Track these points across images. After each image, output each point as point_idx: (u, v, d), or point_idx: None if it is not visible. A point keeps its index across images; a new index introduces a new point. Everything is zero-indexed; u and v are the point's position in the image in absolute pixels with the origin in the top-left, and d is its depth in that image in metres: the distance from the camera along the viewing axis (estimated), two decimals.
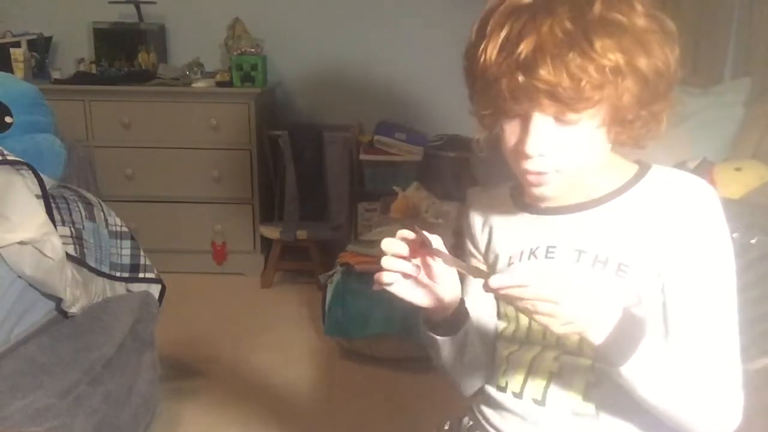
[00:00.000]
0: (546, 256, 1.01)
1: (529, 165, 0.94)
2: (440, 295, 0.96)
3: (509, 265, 1.06)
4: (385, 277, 0.90)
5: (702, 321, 0.94)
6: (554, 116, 0.90)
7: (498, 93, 0.89)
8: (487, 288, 0.81)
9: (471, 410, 1.15)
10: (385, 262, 0.90)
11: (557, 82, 0.85)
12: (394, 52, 3.74)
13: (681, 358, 0.91)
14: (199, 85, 3.59)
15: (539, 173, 0.94)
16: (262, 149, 3.62)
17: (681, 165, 2.43)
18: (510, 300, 0.82)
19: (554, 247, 1.01)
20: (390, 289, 0.92)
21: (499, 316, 1.11)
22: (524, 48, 0.85)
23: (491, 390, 1.09)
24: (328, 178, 3.64)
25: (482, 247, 1.13)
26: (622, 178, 1.01)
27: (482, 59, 0.89)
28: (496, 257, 1.09)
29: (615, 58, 0.86)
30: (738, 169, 2.25)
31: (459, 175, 3.31)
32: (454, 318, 1.02)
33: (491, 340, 1.12)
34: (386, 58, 3.76)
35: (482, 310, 1.12)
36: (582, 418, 1.00)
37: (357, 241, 3.15)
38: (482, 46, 0.89)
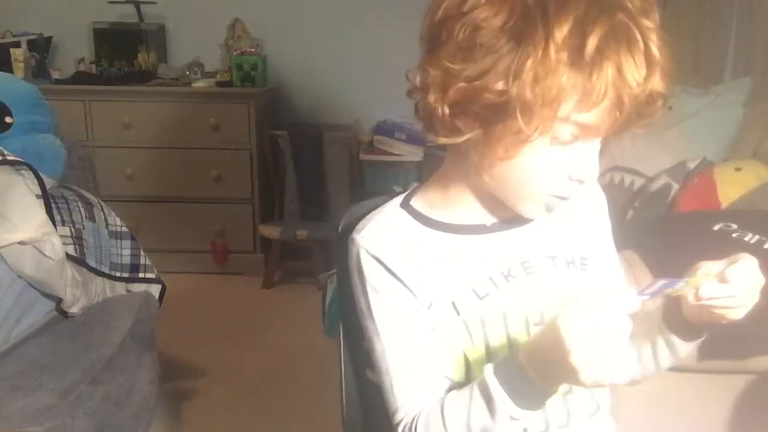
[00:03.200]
0: (526, 273, 0.95)
1: (569, 192, 0.89)
2: None
3: (482, 298, 0.92)
4: None
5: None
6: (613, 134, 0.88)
7: (599, 119, 0.82)
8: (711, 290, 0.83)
9: None
10: None
11: (664, 93, 0.84)
12: (394, 52, 3.74)
13: None
14: (199, 85, 3.59)
15: (569, 197, 0.91)
16: (262, 149, 3.62)
17: (681, 165, 2.43)
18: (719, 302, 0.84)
19: (528, 261, 0.95)
20: None
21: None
22: (651, 76, 0.81)
23: None
24: (328, 178, 3.64)
25: (424, 292, 0.92)
26: None
27: (598, 88, 0.79)
28: (452, 296, 0.93)
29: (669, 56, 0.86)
30: (738, 169, 2.24)
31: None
32: None
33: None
34: (386, 58, 3.75)
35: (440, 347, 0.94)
36: (593, 417, 1.00)
37: None
38: (594, 76, 0.79)
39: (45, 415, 1.59)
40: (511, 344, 0.93)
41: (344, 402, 1.14)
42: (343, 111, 3.85)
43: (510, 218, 0.96)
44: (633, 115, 0.84)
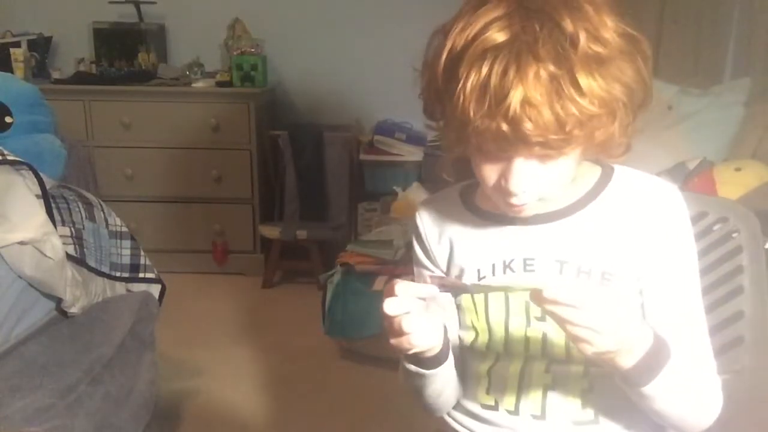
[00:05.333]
0: (525, 269, 0.98)
1: (511, 200, 0.91)
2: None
3: (480, 279, 1.01)
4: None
5: (684, 317, 0.97)
6: (537, 158, 0.87)
7: (477, 135, 0.84)
8: (538, 298, 0.80)
9: (447, 425, 1.11)
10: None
11: (545, 133, 0.81)
12: (394, 52, 3.73)
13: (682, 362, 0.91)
14: (199, 85, 3.60)
15: (522, 205, 0.92)
16: (262, 149, 3.62)
17: (681, 165, 2.43)
18: (556, 319, 0.80)
19: (532, 259, 0.98)
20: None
21: (463, 326, 1.06)
22: (511, 100, 0.80)
23: (475, 408, 1.06)
24: (328, 178, 3.64)
25: (441, 260, 1.07)
26: (588, 183, 1.00)
27: (460, 101, 0.83)
28: (462, 271, 1.03)
29: (599, 95, 0.82)
30: (738, 169, 2.24)
31: (459, 175, 3.31)
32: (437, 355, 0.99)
33: (457, 354, 1.07)
34: (386, 58, 3.75)
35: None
36: (583, 426, 0.99)
37: (357, 241, 3.15)
38: (458, 87, 0.83)
39: (45, 415, 1.59)
40: (507, 325, 1.00)
41: None
42: (343, 111, 3.85)
43: (536, 215, 0.97)
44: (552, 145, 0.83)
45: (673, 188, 0.99)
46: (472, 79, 0.81)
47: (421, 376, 1.00)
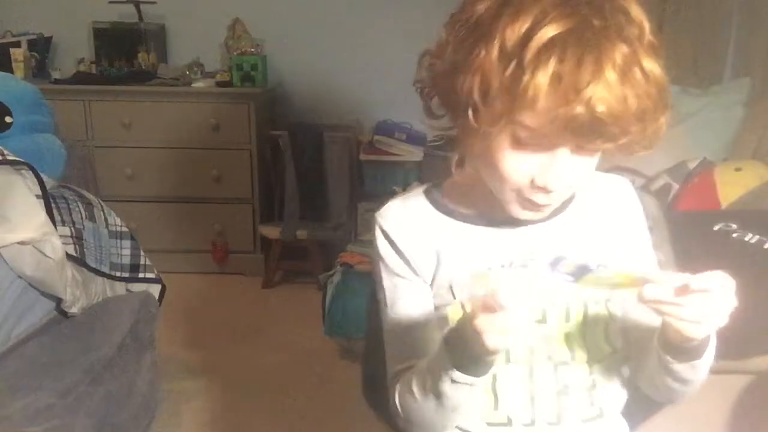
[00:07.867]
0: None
1: (539, 198, 0.87)
2: None
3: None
4: None
5: None
6: (586, 149, 0.84)
7: (539, 124, 0.80)
8: (654, 287, 0.76)
9: None
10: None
11: (618, 121, 0.79)
12: (394, 52, 3.74)
13: None
14: (199, 85, 3.59)
15: (546, 204, 0.89)
16: (262, 149, 3.62)
17: (681, 165, 2.43)
18: (672, 309, 0.78)
19: (530, 259, 0.95)
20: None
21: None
22: (589, 88, 0.76)
23: (479, 428, 0.99)
24: (328, 178, 3.64)
25: (427, 271, 0.99)
26: None
27: (527, 94, 0.77)
28: (451, 280, 0.97)
29: (661, 83, 0.81)
30: (738, 169, 2.25)
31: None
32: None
33: None
34: (386, 58, 3.75)
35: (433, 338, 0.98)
36: (591, 422, 1.00)
37: (357, 241, 3.15)
38: (524, 81, 0.77)
39: (45, 415, 1.60)
40: None
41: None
42: (343, 111, 3.85)
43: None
44: (601, 138, 0.81)
45: (627, 181, 1.05)
46: (541, 70, 0.76)
47: (469, 386, 0.86)
